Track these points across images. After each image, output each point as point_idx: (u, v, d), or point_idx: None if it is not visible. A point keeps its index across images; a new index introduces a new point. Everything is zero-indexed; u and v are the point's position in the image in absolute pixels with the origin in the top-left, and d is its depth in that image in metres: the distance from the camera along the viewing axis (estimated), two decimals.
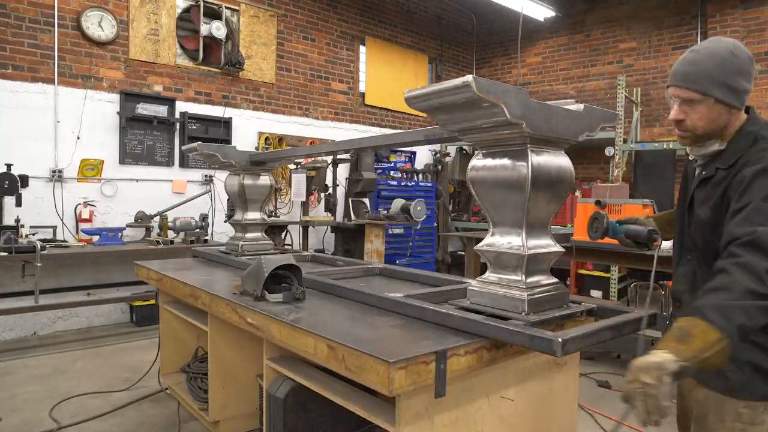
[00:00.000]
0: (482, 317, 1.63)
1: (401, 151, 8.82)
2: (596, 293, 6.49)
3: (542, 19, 8.48)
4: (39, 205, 5.27)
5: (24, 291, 4.90)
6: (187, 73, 6.38)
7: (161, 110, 6.14)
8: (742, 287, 1.26)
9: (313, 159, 6.52)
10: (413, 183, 8.08)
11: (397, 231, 7.29)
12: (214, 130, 6.57)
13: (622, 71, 8.04)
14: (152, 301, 5.42)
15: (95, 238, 5.33)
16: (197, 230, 5.71)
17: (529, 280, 1.66)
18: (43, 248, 4.55)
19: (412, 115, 8.98)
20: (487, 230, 1.77)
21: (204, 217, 5.95)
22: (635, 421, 1.20)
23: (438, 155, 8.81)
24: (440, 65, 9.60)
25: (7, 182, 4.72)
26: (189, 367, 2.99)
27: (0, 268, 4.92)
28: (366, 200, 7.07)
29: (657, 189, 6.69)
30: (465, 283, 2.14)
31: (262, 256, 2.29)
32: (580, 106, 1.66)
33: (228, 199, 5.84)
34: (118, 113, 5.79)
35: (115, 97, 5.81)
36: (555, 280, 1.77)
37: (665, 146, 6.63)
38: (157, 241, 5.43)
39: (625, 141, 6.76)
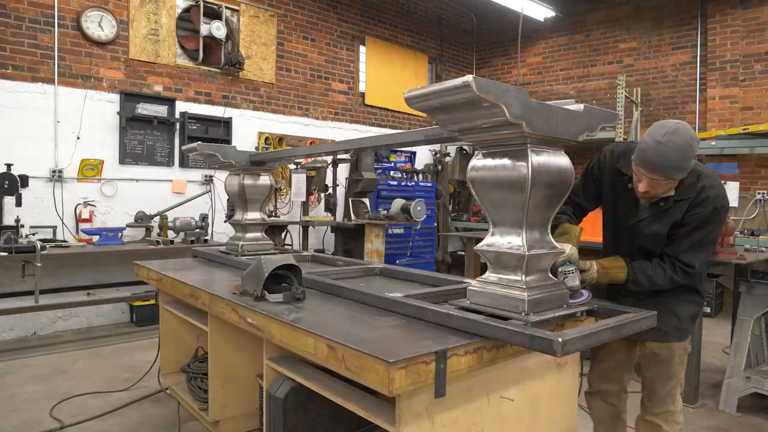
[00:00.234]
0: (482, 317, 1.63)
1: (401, 151, 8.82)
2: None
3: (542, 19, 8.48)
4: (39, 205, 5.27)
5: (24, 291, 4.90)
6: (187, 73, 6.38)
7: (161, 110, 6.14)
8: (664, 273, 2.12)
9: (313, 159, 6.52)
10: (413, 183, 8.08)
11: (397, 231, 7.29)
12: (214, 130, 6.57)
13: (622, 71, 8.04)
14: (152, 301, 5.42)
15: (95, 238, 5.33)
16: (197, 230, 5.71)
17: (529, 280, 1.66)
18: (43, 248, 4.55)
19: (412, 115, 8.98)
20: (487, 230, 1.77)
21: (204, 217, 5.95)
22: None
23: (438, 155, 8.81)
24: (440, 65, 9.60)
25: (7, 182, 4.72)
26: (189, 367, 2.99)
27: (0, 268, 4.92)
28: (366, 200, 7.07)
29: None
30: (465, 283, 2.14)
31: (262, 256, 2.29)
32: (580, 106, 1.66)
33: (228, 199, 5.84)
34: (118, 113, 5.80)
35: (115, 97, 5.81)
36: (555, 280, 1.77)
37: None
38: (157, 241, 5.43)
39: (625, 141, 6.76)
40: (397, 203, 5.93)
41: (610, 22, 8.51)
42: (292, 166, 6.75)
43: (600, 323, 1.66)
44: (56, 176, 5.36)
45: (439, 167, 8.68)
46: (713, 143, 6.53)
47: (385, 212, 6.00)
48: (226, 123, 6.66)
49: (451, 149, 8.64)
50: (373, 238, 5.90)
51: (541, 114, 1.52)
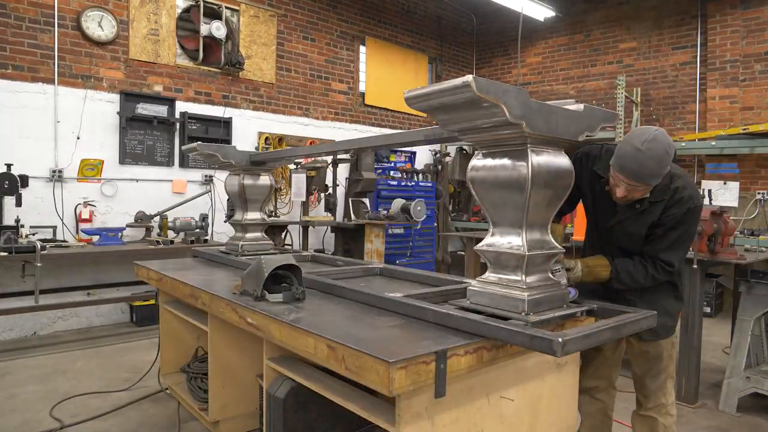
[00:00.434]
0: (482, 317, 1.63)
1: (401, 151, 8.82)
2: None
3: (542, 19, 8.47)
4: (39, 205, 5.27)
5: (24, 291, 4.90)
6: (187, 73, 6.38)
7: (161, 110, 6.14)
8: (645, 271, 2.18)
9: (313, 159, 6.52)
10: (413, 183, 8.07)
11: (397, 231, 7.28)
12: (214, 130, 6.57)
13: (622, 71, 8.04)
14: (152, 301, 5.42)
15: (95, 238, 5.33)
16: (197, 230, 5.71)
17: (529, 280, 1.66)
18: (43, 248, 4.55)
19: (412, 115, 8.98)
20: (487, 230, 1.77)
21: (204, 217, 5.95)
22: None
23: (438, 155, 8.81)
24: (440, 65, 9.60)
25: (7, 182, 4.72)
26: (189, 367, 2.99)
27: (0, 268, 4.92)
28: (366, 200, 7.07)
29: None
30: (465, 283, 2.14)
31: (262, 256, 2.29)
32: (580, 106, 1.66)
33: (228, 199, 5.84)
34: (118, 113, 5.79)
35: (115, 97, 5.81)
36: (555, 280, 1.77)
37: None
38: (157, 241, 5.43)
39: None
40: (397, 203, 5.93)
41: (610, 22, 8.51)
42: (292, 166, 6.75)
43: (600, 323, 1.66)
44: (56, 176, 5.36)
45: (439, 167, 8.67)
46: (713, 143, 6.53)
47: (385, 212, 6.00)
48: (226, 123, 6.66)
49: (451, 149, 8.64)
50: (373, 238, 5.91)
51: (541, 114, 1.52)
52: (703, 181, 7.04)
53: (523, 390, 1.80)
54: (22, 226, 4.79)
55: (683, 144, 6.70)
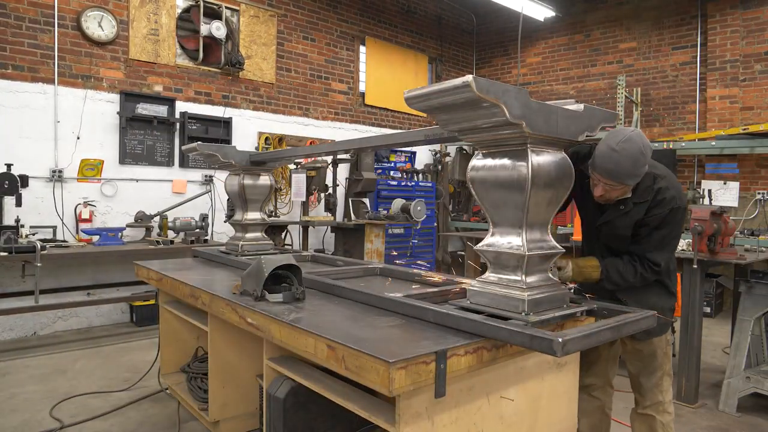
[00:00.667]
0: (482, 317, 1.63)
1: (401, 151, 8.82)
2: None
3: (542, 19, 8.47)
4: (39, 205, 5.27)
5: (24, 291, 4.90)
6: (187, 73, 6.38)
7: (161, 110, 6.14)
8: (635, 271, 2.20)
9: (313, 159, 6.52)
10: (413, 183, 8.07)
11: (397, 231, 7.28)
12: (214, 130, 6.57)
13: (622, 71, 8.04)
14: (152, 301, 5.42)
15: (95, 238, 5.33)
16: (197, 230, 5.71)
17: (529, 280, 1.66)
18: (43, 248, 4.55)
19: (412, 115, 8.98)
20: (487, 230, 1.77)
21: (204, 217, 5.95)
22: None
23: (438, 155, 8.81)
24: (440, 65, 9.60)
25: (7, 182, 4.72)
26: (189, 367, 3.00)
27: (0, 268, 4.93)
28: (366, 200, 7.07)
29: None
30: (465, 283, 2.14)
31: (262, 256, 2.29)
32: (580, 106, 1.66)
33: (228, 199, 5.84)
34: (118, 113, 5.79)
35: (115, 97, 5.81)
36: (555, 280, 1.77)
37: (665, 146, 6.64)
38: (157, 241, 5.43)
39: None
40: (397, 203, 5.93)
41: (610, 22, 8.51)
42: (292, 166, 6.75)
43: (600, 323, 1.66)
44: (56, 176, 5.36)
45: (439, 167, 8.68)
46: (713, 143, 6.53)
47: (385, 212, 6.00)
48: (226, 123, 6.66)
49: (451, 149, 8.64)
50: (373, 238, 5.91)
51: (541, 114, 1.52)
52: (703, 181, 7.05)
53: (523, 390, 1.80)
54: (22, 226, 4.79)
55: (683, 144, 6.70)
